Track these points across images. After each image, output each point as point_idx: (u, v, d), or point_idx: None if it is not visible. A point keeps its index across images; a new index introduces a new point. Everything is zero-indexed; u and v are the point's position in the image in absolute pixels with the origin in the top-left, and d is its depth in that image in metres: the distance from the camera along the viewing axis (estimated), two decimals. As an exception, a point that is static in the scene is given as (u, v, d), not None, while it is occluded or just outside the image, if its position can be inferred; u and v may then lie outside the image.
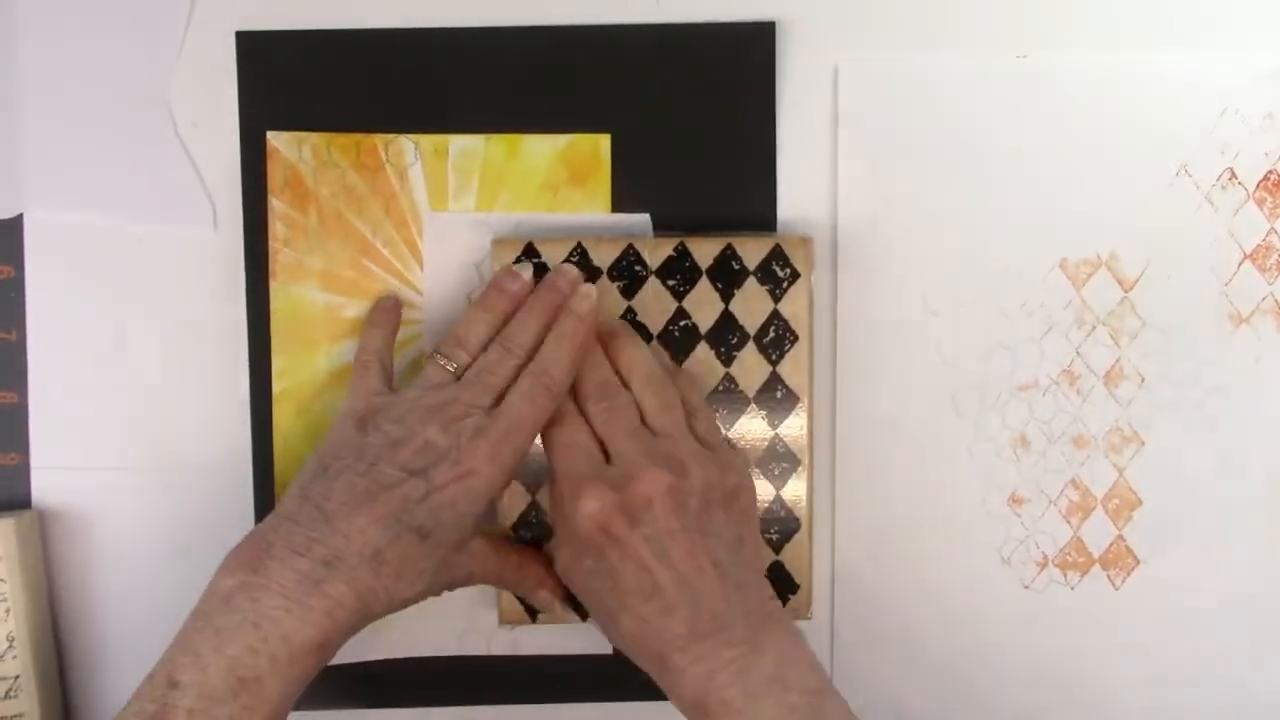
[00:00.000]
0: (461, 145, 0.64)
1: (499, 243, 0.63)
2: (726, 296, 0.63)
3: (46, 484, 0.65)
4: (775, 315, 0.62)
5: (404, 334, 0.64)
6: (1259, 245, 0.65)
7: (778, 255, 0.62)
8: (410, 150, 0.64)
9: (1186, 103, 0.64)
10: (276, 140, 0.64)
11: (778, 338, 0.62)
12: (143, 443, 0.65)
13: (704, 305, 0.63)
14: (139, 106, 0.64)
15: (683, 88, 0.64)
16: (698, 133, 0.64)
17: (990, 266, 0.65)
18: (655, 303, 0.63)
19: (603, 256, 0.62)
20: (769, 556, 0.63)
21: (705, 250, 0.62)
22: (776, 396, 0.62)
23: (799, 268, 0.62)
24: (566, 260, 0.62)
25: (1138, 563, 0.65)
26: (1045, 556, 0.65)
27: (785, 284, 0.62)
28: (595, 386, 0.60)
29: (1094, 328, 0.65)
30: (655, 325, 0.63)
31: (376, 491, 0.55)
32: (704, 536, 0.56)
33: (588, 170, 0.64)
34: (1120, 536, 0.65)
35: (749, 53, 0.64)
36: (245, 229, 0.64)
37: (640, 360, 0.61)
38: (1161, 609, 0.66)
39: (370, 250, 0.64)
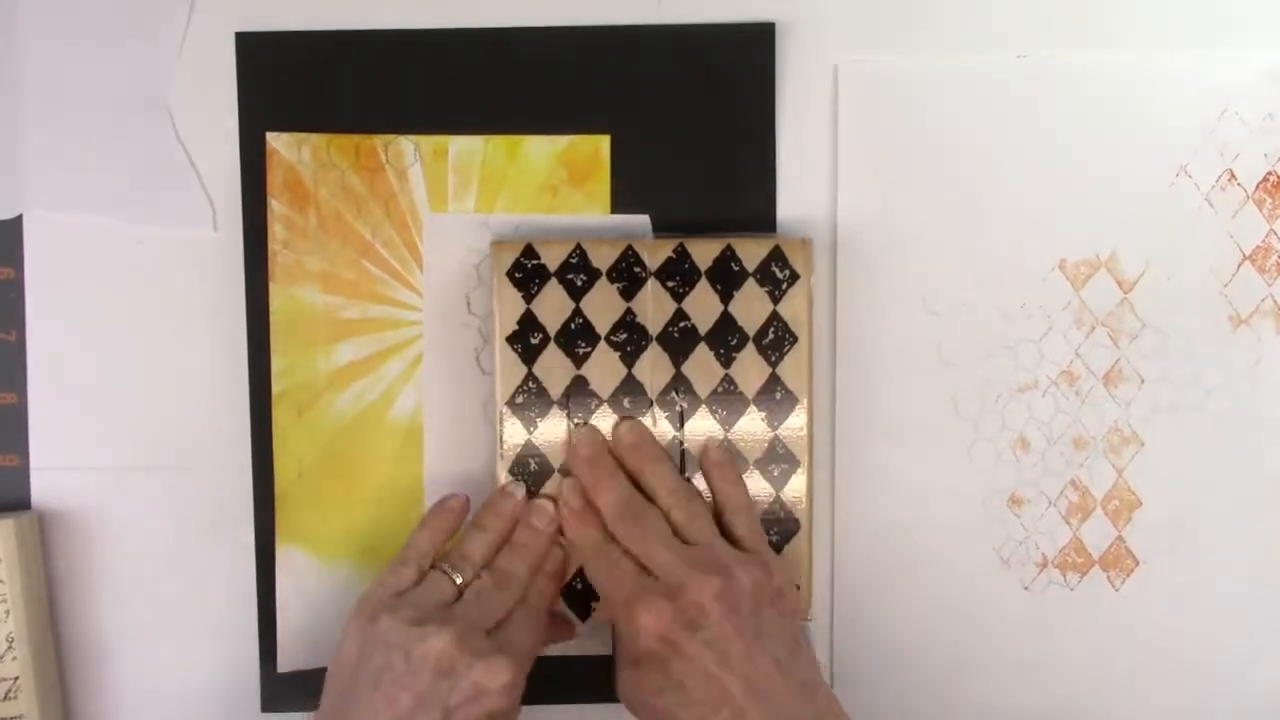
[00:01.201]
0: (461, 146, 0.64)
1: (499, 244, 0.63)
2: (726, 298, 0.62)
3: (46, 485, 0.65)
4: (774, 316, 0.62)
5: (403, 335, 0.64)
6: (1258, 246, 0.65)
7: (777, 256, 0.62)
8: (410, 151, 0.64)
9: (1186, 104, 0.64)
10: (276, 141, 0.64)
11: (777, 339, 0.62)
12: (143, 443, 0.65)
13: (703, 306, 0.63)
14: (139, 107, 0.64)
15: (683, 88, 0.64)
16: (698, 133, 0.64)
17: (990, 267, 0.65)
18: (654, 304, 0.62)
19: (602, 258, 0.62)
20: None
21: (704, 251, 0.62)
22: (776, 397, 0.62)
23: (798, 269, 0.62)
24: (566, 260, 0.62)
25: (1137, 564, 0.65)
26: (1045, 557, 0.65)
27: (784, 285, 0.62)
28: (618, 508, 0.60)
29: (1093, 328, 0.65)
30: (654, 327, 0.63)
31: None
32: (760, 638, 0.56)
33: (587, 171, 0.64)
34: (1120, 537, 0.65)
35: (749, 54, 0.64)
36: (245, 230, 0.64)
37: (665, 475, 0.61)
38: (1161, 610, 0.66)
39: (370, 251, 0.64)
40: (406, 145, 0.64)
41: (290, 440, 0.64)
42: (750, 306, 0.62)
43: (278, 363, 0.64)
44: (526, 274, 0.62)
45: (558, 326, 0.62)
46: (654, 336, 0.63)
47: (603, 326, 0.62)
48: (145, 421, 0.65)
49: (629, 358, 0.62)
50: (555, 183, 0.64)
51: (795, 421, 0.62)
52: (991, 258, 0.65)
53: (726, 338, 0.62)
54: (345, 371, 0.64)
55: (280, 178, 0.64)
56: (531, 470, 0.62)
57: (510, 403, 0.62)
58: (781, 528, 0.63)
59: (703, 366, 0.63)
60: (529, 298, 0.62)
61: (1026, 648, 0.66)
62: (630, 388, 0.63)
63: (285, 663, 0.65)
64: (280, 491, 0.64)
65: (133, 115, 0.64)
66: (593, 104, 0.64)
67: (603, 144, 0.64)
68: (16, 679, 0.62)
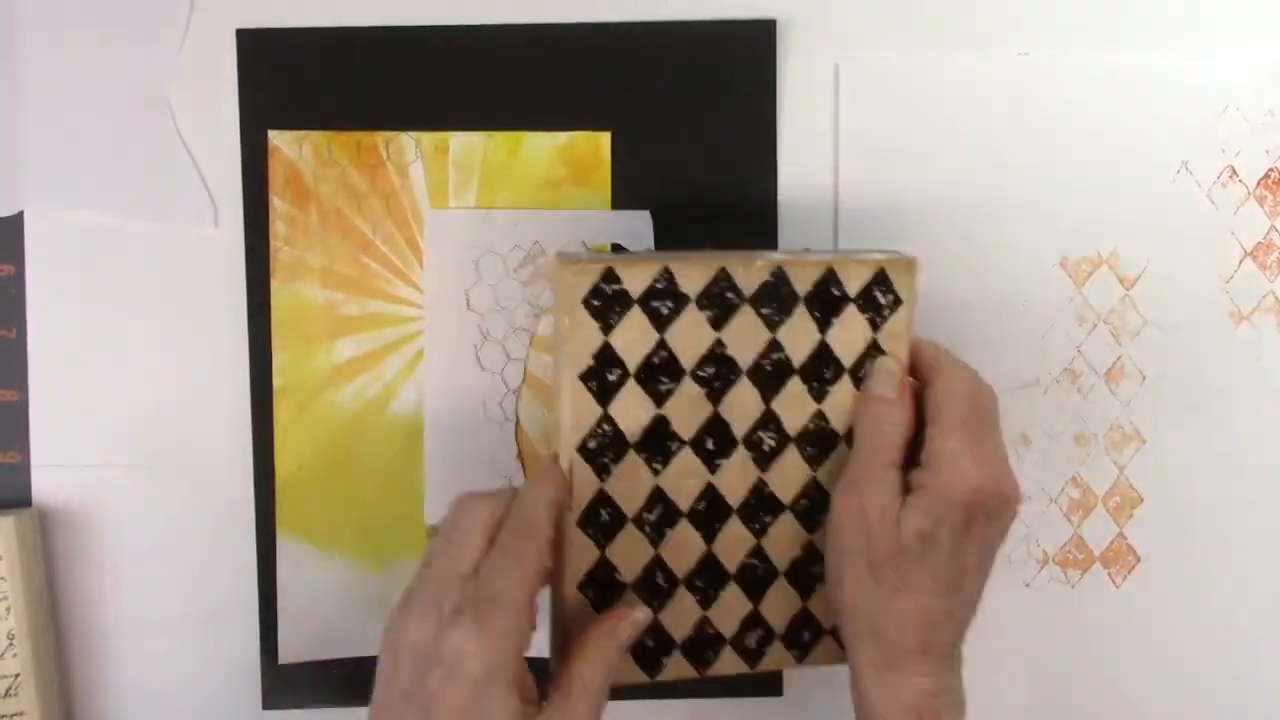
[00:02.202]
0: (462, 142, 0.64)
1: (571, 265, 0.54)
2: (824, 325, 0.56)
3: (47, 482, 0.65)
4: (874, 346, 0.57)
5: (404, 331, 0.64)
6: (1259, 243, 0.65)
7: (881, 280, 0.56)
8: (411, 148, 0.64)
9: (1187, 100, 0.64)
10: (278, 139, 0.64)
11: None
12: (143, 441, 0.65)
13: (799, 336, 0.56)
14: (139, 103, 0.64)
15: (683, 85, 0.64)
16: (698, 130, 0.64)
17: (991, 264, 0.65)
18: (747, 334, 0.55)
19: (692, 282, 0.55)
20: None
21: (804, 275, 0.56)
22: None
23: (902, 293, 0.56)
24: (651, 285, 0.54)
25: (1138, 561, 0.65)
26: (1046, 554, 0.65)
27: (887, 311, 0.56)
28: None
29: (1095, 325, 0.65)
30: (746, 359, 0.56)
31: None
32: (985, 568, 0.56)
33: (588, 168, 0.64)
34: (1121, 534, 0.65)
35: (749, 50, 0.64)
36: (246, 227, 0.64)
37: None
38: (1162, 607, 0.65)
39: (371, 248, 0.64)
40: (407, 142, 0.64)
41: (291, 435, 0.64)
42: (849, 335, 0.56)
43: (279, 358, 0.64)
44: (606, 301, 0.54)
45: (639, 361, 0.55)
46: (744, 370, 0.56)
47: (689, 360, 0.55)
48: (146, 418, 0.65)
49: (716, 394, 0.56)
50: (556, 179, 0.64)
51: None
52: (992, 255, 0.65)
53: (821, 370, 0.56)
54: (346, 367, 0.64)
55: (282, 175, 0.64)
56: (603, 522, 0.56)
57: (582, 448, 0.55)
58: None
59: (794, 402, 0.56)
60: (607, 329, 0.54)
61: (1027, 644, 0.66)
62: (715, 428, 0.56)
63: (286, 655, 0.65)
64: (281, 486, 0.64)
65: (133, 112, 0.64)
66: (593, 100, 0.64)
67: (603, 140, 0.64)
68: (17, 676, 0.62)
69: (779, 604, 0.59)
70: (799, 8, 0.64)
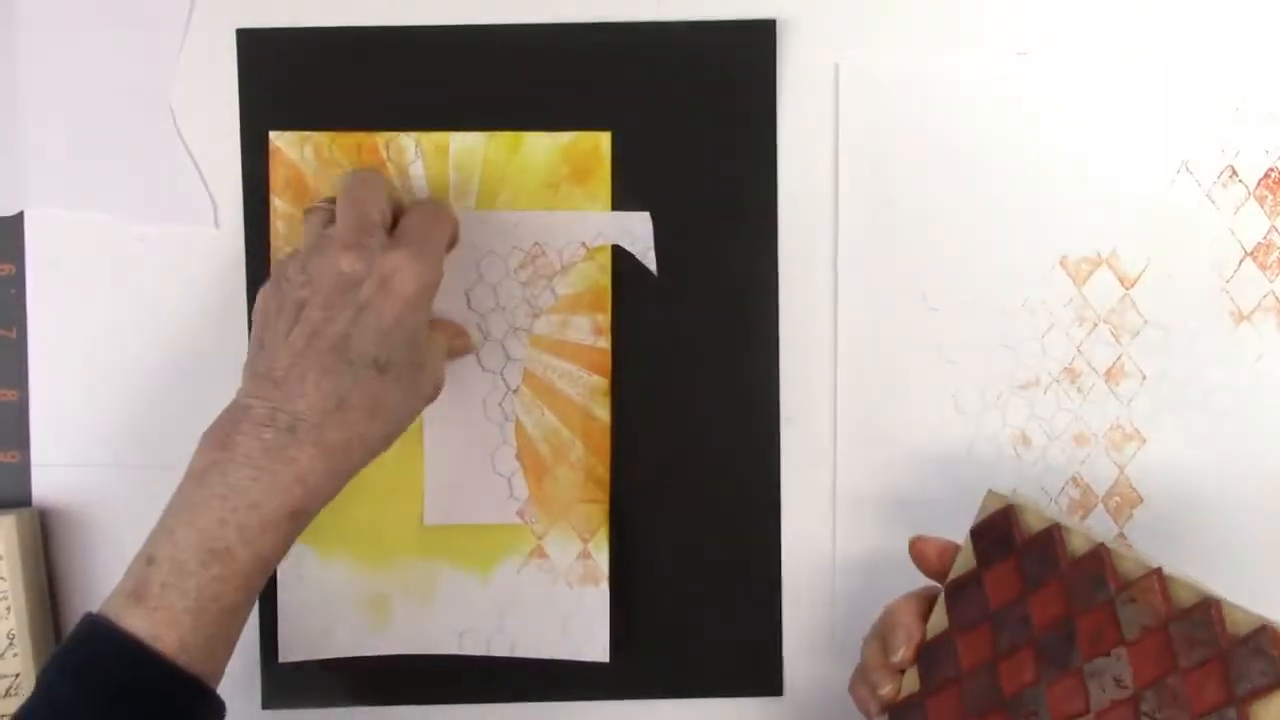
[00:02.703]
0: (462, 142, 0.64)
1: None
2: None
3: (47, 482, 0.65)
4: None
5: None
6: (1260, 243, 0.65)
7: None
8: (411, 148, 0.64)
9: (1187, 100, 0.64)
10: (278, 139, 0.64)
11: None
12: (143, 441, 0.65)
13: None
14: (140, 103, 0.64)
15: (684, 85, 0.64)
16: (699, 130, 0.64)
17: (991, 264, 0.65)
18: None
19: None
20: None
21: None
22: None
23: None
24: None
25: (1139, 561, 0.65)
26: (1046, 555, 0.65)
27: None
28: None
29: (1095, 325, 0.65)
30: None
31: (312, 338, 0.54)
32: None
33: (589, 168, 0.64)
34: (1121, 535, 0.65)
35: (750, 51, 0.64)
36: (246, 227, 0.64)
37: None
38: (1163, 607, 0.65)
39: (371, 248, 0.64)
40: (408, 142, 0.64)
41: (291, 437, 0.64)
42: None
43: (278, 359, 0.64)
44: None
45: None
46: None
47: None
48: (146, 418, 0.65)
49: None
50: (556, 180, 0.64)
51: None
52: (993, 255, 0.65)
53: None
54: (346, 368, 0.64)
55: (282, 176, 0.64)
56: None
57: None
58: None
59: None
60: None
61: (1028, 645, 0.65)
62: None
63: (286, 654, 0.65)
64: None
65: (134, 111, 0.64)
66: (593, 100, 0.64)
67: (603, 140, 0.64)
68: (17, 676, 0.62)
69: None
70: (799, 8, 0.64)
